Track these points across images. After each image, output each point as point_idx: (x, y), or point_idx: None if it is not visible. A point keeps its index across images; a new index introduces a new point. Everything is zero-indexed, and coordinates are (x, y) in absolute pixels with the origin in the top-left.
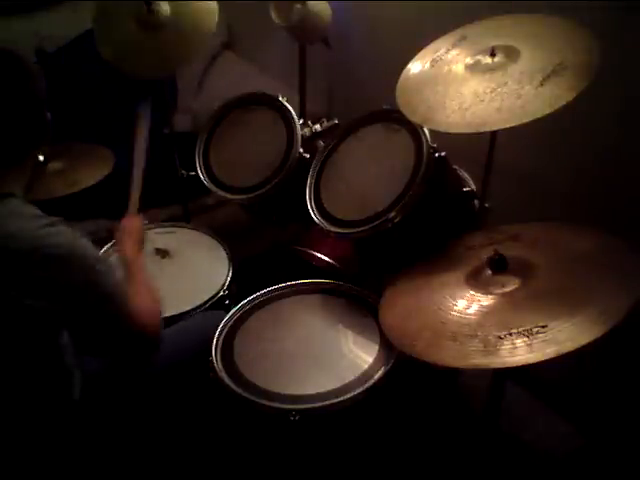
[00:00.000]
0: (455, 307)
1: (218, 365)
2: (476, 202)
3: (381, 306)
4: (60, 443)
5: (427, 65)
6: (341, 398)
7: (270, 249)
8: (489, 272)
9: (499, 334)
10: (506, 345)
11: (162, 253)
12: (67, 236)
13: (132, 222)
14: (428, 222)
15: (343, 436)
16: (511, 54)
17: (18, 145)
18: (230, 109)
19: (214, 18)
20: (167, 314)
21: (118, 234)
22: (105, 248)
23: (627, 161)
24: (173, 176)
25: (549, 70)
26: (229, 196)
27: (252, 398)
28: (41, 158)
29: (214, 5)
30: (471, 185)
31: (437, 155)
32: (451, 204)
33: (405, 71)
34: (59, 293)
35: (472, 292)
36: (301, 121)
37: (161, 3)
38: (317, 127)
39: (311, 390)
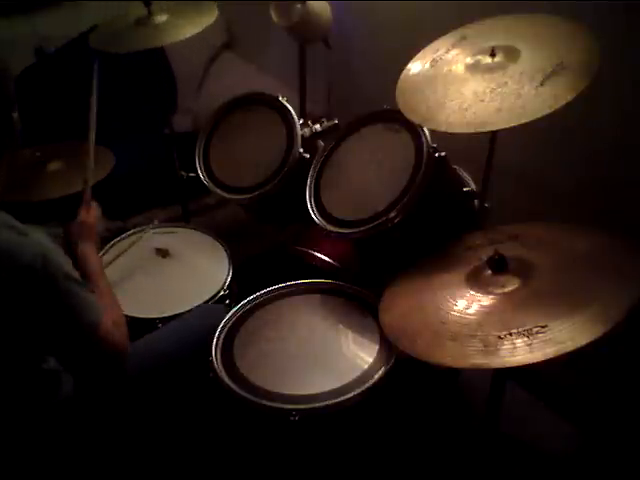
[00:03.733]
0: (455, 307)
1: (218, 365)
2: (476, 202)
3: (381, 306)
4: (54, 443)
5: (427, 65)
6: (341, 398)
7: (270, 249)
8: (489, 272)
9: (499, 334)
10: (506, 345)
11: (162, 253)
12: (38, 248)
13: (86, 216)
14: (428, 222)
15: (343, 436)
16: (511, 54)
17: None
18: (230, 109)
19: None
20: (167, 314)
21: (74, 231)
22: (105, 249)
23: (627, 161)
24: (173, 176)
25: (549, 70)
26: (229, 196)
27: (252, 398)
28: (41, 158)
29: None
30: (471, 185)
31: (437, 155)
32: (451, 204)
33: (405, 71)
34: (25, 305)
35: (472, 292)
36: (301, 121)
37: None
38: (317, 127)
39: (311, 390)
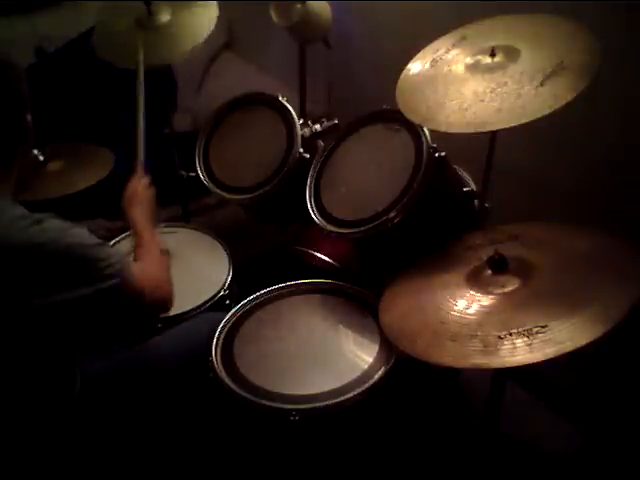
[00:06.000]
0: (455, 307)
1: (218, 365)
2: (476, 202)
3: (381, 306)
4: (60, 442)
5: (427, 65)
6: (341, 398)
7: (270, 249)
8: (489, 272)
9: (499, 334)
10: (506, 345)
11: (162, 253)
12: (57, 230)
13: (136, 185)
14: (428, 222)
15: (343, 436)
16: (511, 54)
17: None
18: (230, 109)
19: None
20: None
21: (126, 200)
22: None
23: (627, 161)
24: (173, 176)
25: (549, 70)
26: (229, 196)
27: (252, 398)
28: (41, 158)
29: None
30: (471, 185)
31: (437, 155)
32: (451, 204)
33: (405, 71)
34: (62, 285)
35: (472, 292)
36: (301, 121)
37: (161, 5)
38: (317, 127)
39: (311, 390)
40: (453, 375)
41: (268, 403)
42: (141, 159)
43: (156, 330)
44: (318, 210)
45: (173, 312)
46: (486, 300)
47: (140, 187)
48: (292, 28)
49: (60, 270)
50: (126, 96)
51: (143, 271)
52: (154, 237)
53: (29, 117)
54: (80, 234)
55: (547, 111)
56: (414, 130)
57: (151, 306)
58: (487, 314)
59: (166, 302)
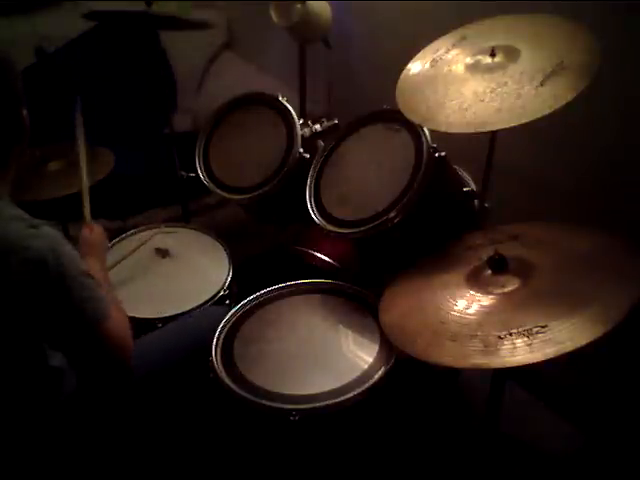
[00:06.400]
0: (455, 307)
1: (218, 365)
2: (476, 202)
3: (381, 306)
4: (54, 441)
5: (427, 65)
6: (341, 398)
7: (270, 249)
8: (489, 272)
9: (499, 334)
10: (506, 345)
11: (162, 253)
12: (49, 240)
13: (91, 233)
14: (428, 222)
15: (343, 436)
16: (511, 54)
17: None
18: (230, 109)
19: None
20: (167, 314)
21: (81, 251)
22: (111, 243)
23: (627, 161)
24: (173, 176)
25: (549, 70)
26: (229, 196)
27: (252, 398)
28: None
29: None
30: (471, 185)
31: (437, 155)
32: (451, 204)
33: (405, 71)
34: (34, 298)
35: (472, 292)
36: (301, 121)
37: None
38: (317, 127)
39: (311, 390)
40: (453, 375)
41: (268, 403)
42: (88, 215)
43: (154, 328)
44: (318, 210)
45: (173, 312)
46: (486, 300)
47: (93, 236)
48: (292, 28)
49: (42, 280)
50: (126, 96)
51: (121, 321)
52: (112, 287)
53: (25, 115)
54: (74, 254)
55: (547, 111)
56: (414, 130)
57: (119, 359)
58: (487, 314)
59: (126, 358)
